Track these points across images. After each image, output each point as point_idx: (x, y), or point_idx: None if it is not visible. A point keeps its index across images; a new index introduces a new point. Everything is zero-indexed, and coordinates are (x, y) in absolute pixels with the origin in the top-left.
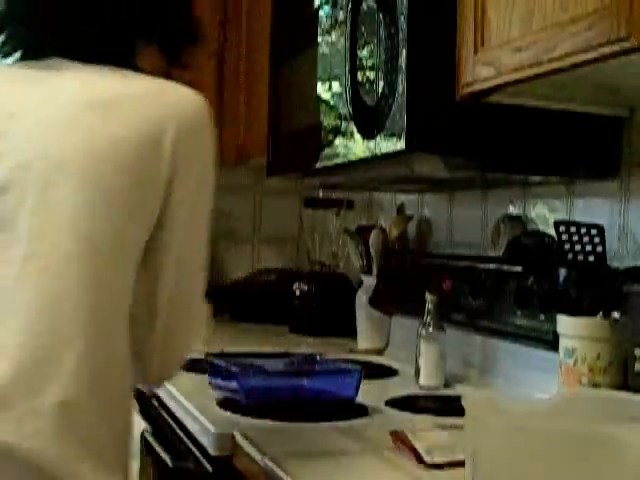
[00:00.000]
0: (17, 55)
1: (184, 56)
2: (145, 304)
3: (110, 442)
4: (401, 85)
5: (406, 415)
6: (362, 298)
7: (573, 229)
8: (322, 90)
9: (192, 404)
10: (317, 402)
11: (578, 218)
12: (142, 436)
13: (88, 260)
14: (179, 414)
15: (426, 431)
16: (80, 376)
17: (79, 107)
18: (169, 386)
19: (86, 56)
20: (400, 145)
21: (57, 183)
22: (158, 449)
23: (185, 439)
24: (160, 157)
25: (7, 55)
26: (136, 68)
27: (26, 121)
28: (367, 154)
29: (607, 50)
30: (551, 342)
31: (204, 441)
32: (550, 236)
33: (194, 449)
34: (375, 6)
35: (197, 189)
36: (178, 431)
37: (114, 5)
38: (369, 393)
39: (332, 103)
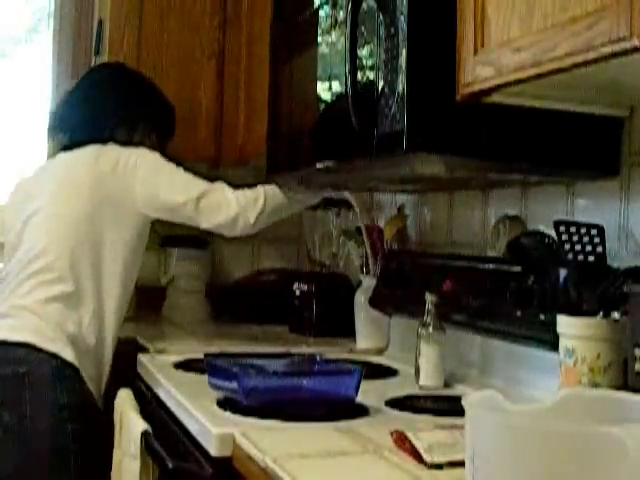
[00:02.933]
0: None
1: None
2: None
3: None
4: (401, 85)
5: (406, 415)
6: (361, 298)
7: (573, 229)
8: (322, 90)
9: (192, 404)
10: (317, 402)
11: (578, 218)
12: (142, 436)
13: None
14: (179, 414)
15: (426, 431)
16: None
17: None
18: (169, 386)
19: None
20: (400, 145)
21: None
22: (158, 449)
23: (185, 439)
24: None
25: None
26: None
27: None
28: (367, 154)
29: (607, 50)
30: (551, 342)
31: (204, 441)
32: (550, 236)
33: (194, 449)
34: (375, 6)
35: None
36: (178, 431)
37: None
38: (369, 393)
39: (332, 103)
